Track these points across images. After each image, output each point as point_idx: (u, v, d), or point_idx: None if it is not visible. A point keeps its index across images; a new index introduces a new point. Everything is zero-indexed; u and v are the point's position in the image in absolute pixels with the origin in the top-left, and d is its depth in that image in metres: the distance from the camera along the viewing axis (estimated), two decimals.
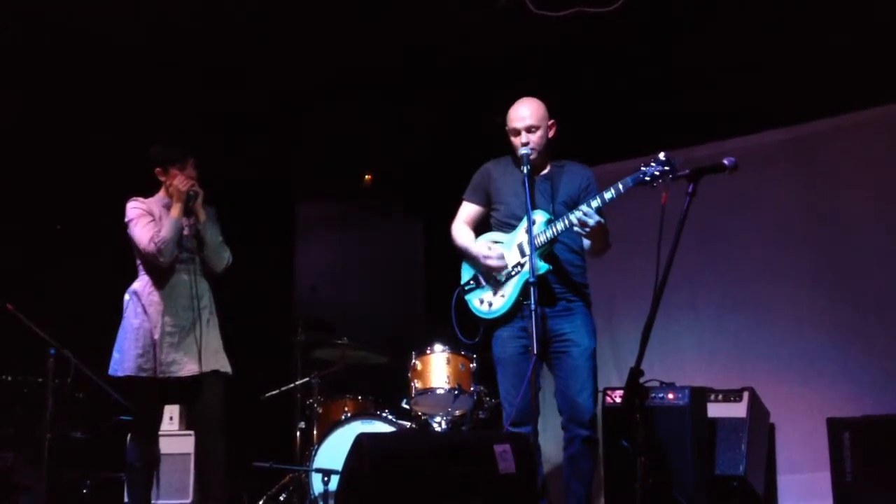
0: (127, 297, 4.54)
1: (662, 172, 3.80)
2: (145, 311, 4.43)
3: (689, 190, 3.30)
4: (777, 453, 5.45)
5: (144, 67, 5.70)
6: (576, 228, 4.06)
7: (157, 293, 4.45)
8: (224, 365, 4.52)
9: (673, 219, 3.24)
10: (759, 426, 5.25)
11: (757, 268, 5.88)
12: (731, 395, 5.20)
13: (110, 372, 4.45)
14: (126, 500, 4.47)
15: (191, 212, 4.52)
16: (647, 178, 3.84)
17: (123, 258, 6.01)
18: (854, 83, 5.38)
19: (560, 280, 4.25)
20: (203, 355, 4.41)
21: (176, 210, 4.48)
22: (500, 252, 4.31)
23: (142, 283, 4.51)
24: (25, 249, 5.98)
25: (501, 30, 5.44)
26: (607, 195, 4.01)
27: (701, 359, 5.94)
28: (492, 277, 4.36)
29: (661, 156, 3.82)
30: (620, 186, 3.96)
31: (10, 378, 5.37)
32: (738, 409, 5.13)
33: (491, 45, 5.67)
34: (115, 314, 6.02)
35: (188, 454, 5.42)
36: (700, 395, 5.06)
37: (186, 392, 4.48)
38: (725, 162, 3.37)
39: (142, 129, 5.93)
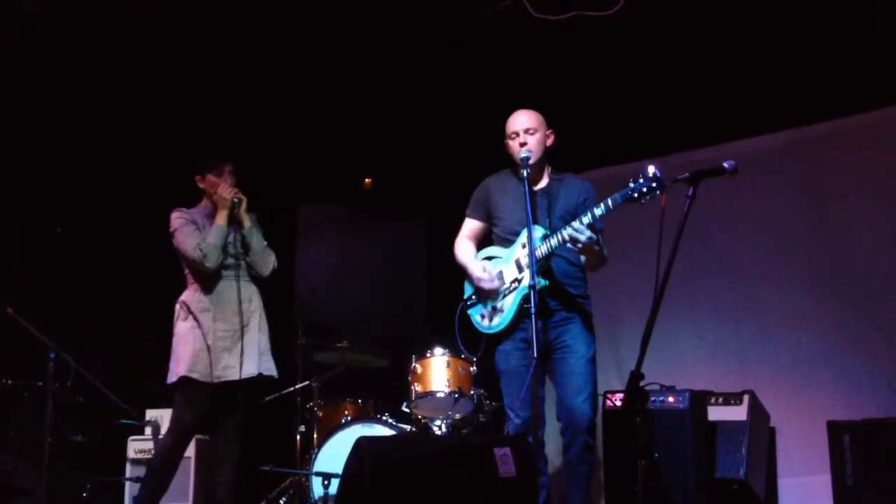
0: (178, 307, 4.60)
1: (650, 189, 3.84)
2: (196, 319, 4.49)
3: (689, 193, 3.30)
4: (777, 456, 5.45)
5: (145, 68, 5.70)
6: (568, 245, 4.08)
7: (206, 300, 4.52)
8: (269, 368, 4.60)
9: (673, 222, 3.24)
10: (760, 429, 5.25)
11: (757, 271, 5.87)
12: (732, 399, 5.20)
13: (168, 381, 4.50)
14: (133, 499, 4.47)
15: (235, 218, 4.60)
16: (636, 195, 3.88)
17: (123, 260, 6.03)
18: (854, 85, 5.38)
19: (557, 294, 4.28)
20: (249, 359, 4.48)
21: (221, 217, 4.56)
22: (495, 273, 4.37)
23: (190, 291, 4.58)
24: (26, 252, 5.97)
25: (502, 32, 5.45)
26: (597, 211, 4.04)
27: (701, 362, 5.93)
28: (489, 296, 4.40)
29: (650, 171, 3.85)
30: (609, 202, 4.00)
31: (10, 381, 5.36)
32: (739, 413, 5.13)
33: (492, 47, 5.68)
34: (116, 317, 6.05)
35: (188, 458, 5.42)
36: (700, 399, 5.06)
37: (233, 395, 4.54)
38: (725, 165, 3.36)
39: (142, 129, 5.96)
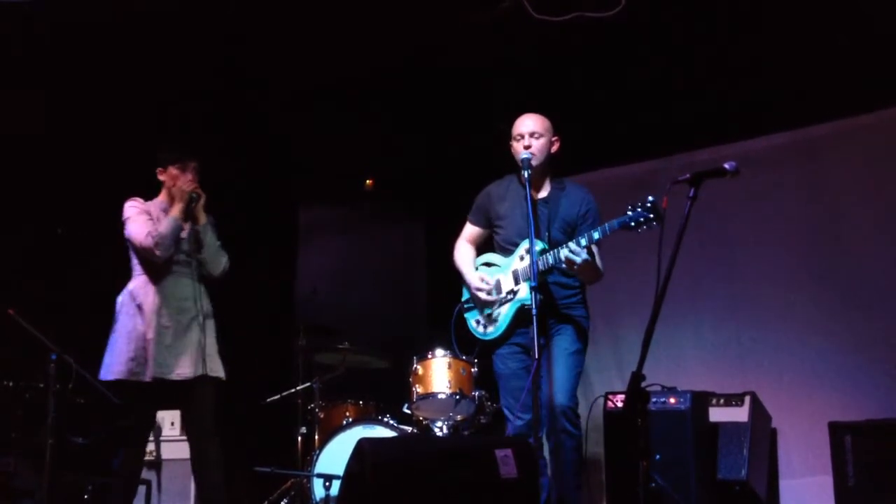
0: (120, 298, 4.49)
1: (647, 219, 3.89)
2: (140, 311, 4.39)
3: (691, 194, 3.30)
4: (779, 457, 5.46)
5: (144, 68, 5.70)
6: (563, 265, 4.12)
7: (153, 293, 4.41)
8: (216, 369, 4.48)
9: (674, 223, 3.24)
10: (761, 430, 5.25)
11: (758, 272, 5.87)
12: (733, 400, 5.21)
13: (100, 376, 4.41)
14: None
15: (191, 214, 4.52)
16: (633, 224, 3.94)
17: (125, 262, 6.00)
18: (856, 86, 5.37)
19: (551, 309, 4.31)
20: (196, 359, 4.38)
21: (176, 209, 4.48)
22: (494, 285, 4.41)
23: (137, 283, 4.47)
24: (26, 254, 5.97)
25: (502, 33, 5.44)
26: (595, 234, 4.09)
27: (703, 363, 5.93)
28: (485, 304, 4.44)
29: (649, 201, 3.89)
30: (606, 228, 4.06)
31: (11, 383, 5.36)
32: (740, 414, 5.14)
33: (492, 48, 5.67)
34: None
35: (189, 460, 5.41)
36: (702, 400, 5.06)
37: (180, 396, 4.46)
38: (726, 166, 3.36)
39: (142, 130, 5.95)
